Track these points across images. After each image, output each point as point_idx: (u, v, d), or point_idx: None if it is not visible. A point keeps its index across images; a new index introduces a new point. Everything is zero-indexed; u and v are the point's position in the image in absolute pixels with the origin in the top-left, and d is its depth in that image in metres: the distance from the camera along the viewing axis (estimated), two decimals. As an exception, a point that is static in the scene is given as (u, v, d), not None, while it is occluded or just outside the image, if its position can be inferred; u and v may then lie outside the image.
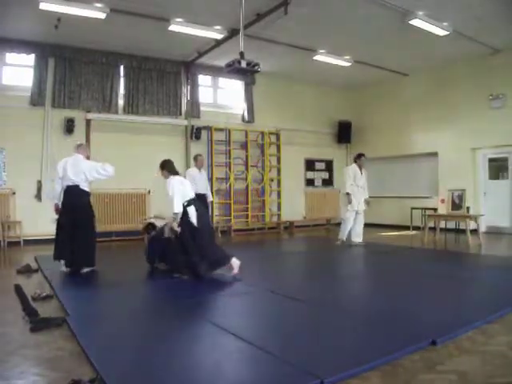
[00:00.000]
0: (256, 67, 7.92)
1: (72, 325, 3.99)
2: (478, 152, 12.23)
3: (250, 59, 7.85)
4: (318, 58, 11.79)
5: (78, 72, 10.92)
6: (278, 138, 14.03)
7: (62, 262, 6.76)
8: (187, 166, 11.55)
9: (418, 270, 6.88)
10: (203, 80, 13.12)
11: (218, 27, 9.81)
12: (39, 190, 10.44)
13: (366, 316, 4.35)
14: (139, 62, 11.69)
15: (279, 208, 14.06)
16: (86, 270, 6.70)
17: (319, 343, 3.58)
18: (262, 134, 13.60)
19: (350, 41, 10.83)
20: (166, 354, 3.34)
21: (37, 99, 10.42)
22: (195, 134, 12.37)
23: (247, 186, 13.26)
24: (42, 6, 8.14)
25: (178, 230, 6.06)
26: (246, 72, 8.52)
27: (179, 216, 6.04)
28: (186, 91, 12.53)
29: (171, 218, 6.16)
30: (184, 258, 6.05)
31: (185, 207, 6.04)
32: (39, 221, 10.35)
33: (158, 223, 7.26)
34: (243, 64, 7.74)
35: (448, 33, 9.81)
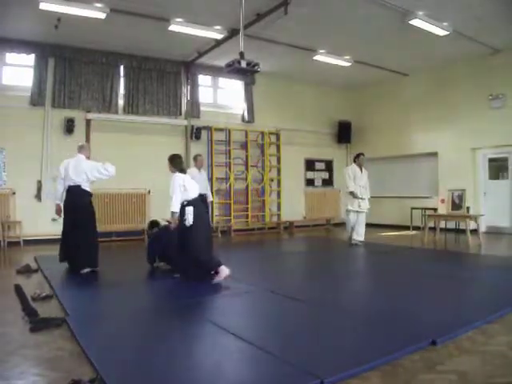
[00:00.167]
0: (256, 67, 7.92)
1: (72, 325, 3.99)
2: (477, 152, 12.23)
3: (249, 59, 7.85)
4: (317, 58, 11.79)
5: (77, 72, 10.92)
6: (277, 138, 14.03)
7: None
8: (187, 166, 11.52)
9: (417, 270, 6.88)
10: (203, 80, 13.12)
11: (218, 27, 9.81)
12: (39, 190, 10.44)
13: (366, 316, 4.35)
14: (139, 61, 11.69)
15: (279, 208, 14.06)
16: (86, 270, 6.70)
17: (319, 343, 3.58)
18: (262, 133, 13.60)
19: (349, 41, 10.83)
20: (165, 354, 3.34)
21: (37, 99, 10.42)
22: (195, 134, 12.37)
23: (247, 186, 13.26)
24: (42, 5, 8.14)
25: (172, 226, 6.10)
26: (245, 72, 8.51)
27: (176, 215, 5.98)
28: (185, 91, 12.53)
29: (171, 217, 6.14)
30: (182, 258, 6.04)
31: (184, 206, 5.94)
32: (39, 221, 10.37)
33: (163, 221, 7.25)
34: (243, 64, 7.73)
35: (448, 33, 9.81)
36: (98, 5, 8.46)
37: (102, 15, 8.70)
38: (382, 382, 2.86)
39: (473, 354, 3.31)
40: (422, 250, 9.39)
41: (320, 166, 15.34)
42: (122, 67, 11.60)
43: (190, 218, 5.85)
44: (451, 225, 10.98)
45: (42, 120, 10.55)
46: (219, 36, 10.16)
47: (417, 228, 12.83)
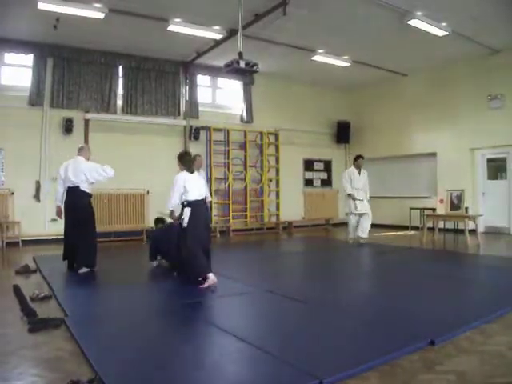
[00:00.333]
0: (255, 67, 7.91)
1: (70, 325, 3.99)
2: (476, 152, 12.24)
3: (248, 59, 7.84)
4: (316, 58, 11.80)
5: (76, 72, 10.91)
6: (276, 138, 14.03)
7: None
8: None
9: (416, 270, 6.89)
10: (202, 80, 13.12)
11: (217, 27, 9.81)
12: (38, 190, 10.43)
13: (365, 316, 4.36)
14: (138, 62, 11.69)
15: (278, 208, 14.06)
16: (84, 270, 6.74)
17: (318, 343, 3.58)
18: (261, 134, 13.61)
19: (348, 41, 10.84)
20: (164, 354, 3.34)
21: (35, 99, 10.41)
22: (194, 134, 12.37)
23: (246, 186, 13.26)
24: (41, 5, 8.14)
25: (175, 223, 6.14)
26: (244, 72, 8.52)
27: (175, 213, 6.01)
28: (184, 91, 12.52)
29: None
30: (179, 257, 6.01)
31: (183, 207, 5.88)
32: (38, 221, 10.37)
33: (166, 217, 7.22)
34: (242, 64, 7.73)
35: (447, 33, 9.82)
36: (97, 5, 8.46)
37: (100, 15, 8.70)
38: (380, 382, 2.86)
39: (471, 354, 3.31)
40: (421, 250, 9.40)
41: (319, 166, 15.35)
42: (120, 67, 11.60)
43: (185, 220, 5.77)
44: (450, 225, 11.02)
45: (41, 120, 10.54)
46: (218, 36, 10.16)
47: (415, 228, 12.85)
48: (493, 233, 11.65)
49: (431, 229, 10.72)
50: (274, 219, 13.99)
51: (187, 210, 5.81)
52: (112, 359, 3.26)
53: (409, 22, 9.26)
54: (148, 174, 11.53)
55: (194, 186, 5.89)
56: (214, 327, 4.04)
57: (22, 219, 10.17)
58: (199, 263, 5.69)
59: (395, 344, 3.44)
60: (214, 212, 12.61)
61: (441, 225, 10.83)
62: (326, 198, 15.17)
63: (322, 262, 8.17)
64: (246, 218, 13.26)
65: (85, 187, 6.84)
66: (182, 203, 5.88)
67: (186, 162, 6.07)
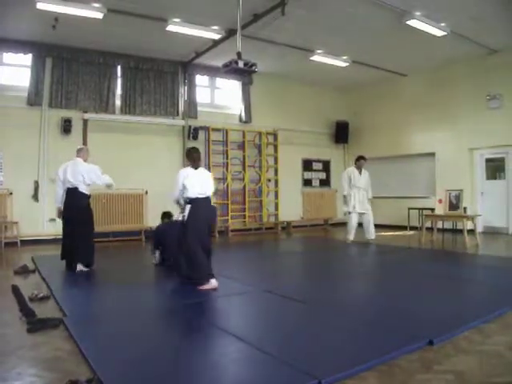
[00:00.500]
0: (253, 67, 7.91)
1: (69, 325, 3.98)
2: (475, 152, 12.25)
3: (247, 59, 7.84)
4: (315, 58, 11.80)
5: (75, 72, 10.91)
6: (275, 138, 14.03)
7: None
8: (184, 167, 11.52)
9: (415, 270, 6.89)
10: (200, 80, 13.11)
11: (216, 27, 9.81)
12: (36, 190, 10.41)
13: (364, 316, 4.36)
14: (136, 62, 11.68)
15: (276, 208, 14.06)
16: (81, 268, 6.81)
17: (317, 343, 3.58)
18: (260, 134, 13.61)
19: (347, 41, 10.84)
20: (163, 355, 3.34)
21: (34, 99, 10.40)
22: (192, 134, 12.36)
23: (244, 186, 13.26)
24: (39, 5, 8.14)
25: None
26: (243, 72, 8.51)
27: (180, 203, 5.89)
28: (183, 91, 12.52)
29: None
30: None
31: (186, 203, 5.74)
32: (36, 221, 10.37)
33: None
34: (240, 64, 7.73)
35: (445, 33, 9.84)
36: (96, 5, 8.46)
37: (99, 15, 8.70)
38: (379, 382, 2.87)
39: (470, 354, 3.31)
40: (420, 250, 9.40)
41: (317, 166, 15.35)
42: (119, 67, 11.59)
43: (186, 217, 5.70)
44: (448, 225, 11.03)
45: (39, 120, 10.54)
46: (217, 36, 10.16)
47: (414, 228, 12.86)
48: (491, 233, 11.66)
49: (430, 229, 10.74)
50: (272, 219, 13.99)
51: (187, 207, 5.72)
52: (110, 359, 3.26)
53: (407, 22, 9.27)
54: (147, 174, 11.53)
55: (196, 182, 5.71)
56: (213, 327, 4.04)
57: (21, 219, 10.16)
58: (199, 261, 5.57)
59: (394, 344, 3.44)
60: (213, 212, 12.59)
61: (439, 225, 10.84)
62: (324, 198, 15.19)
63: (321, 262, 8.17)
64: (244, 218, 13.26)
65: (83, 188, 6.93)
66: (185, 200, 5.77)
67: (190, 157, 5.93)
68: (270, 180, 13.98)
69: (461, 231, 9.87)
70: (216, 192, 12.54)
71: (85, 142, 10.66)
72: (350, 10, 8.96)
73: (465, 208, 9.96)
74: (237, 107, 13.57)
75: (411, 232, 12.62)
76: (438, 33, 9.84)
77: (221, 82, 13.54)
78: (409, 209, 13.05)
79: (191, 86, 12.62)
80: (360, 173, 10.37)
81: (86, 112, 11.02)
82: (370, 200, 10.51)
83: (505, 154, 11.65)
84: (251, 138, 13.51)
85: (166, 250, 7.03)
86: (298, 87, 14.45)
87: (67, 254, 6.99)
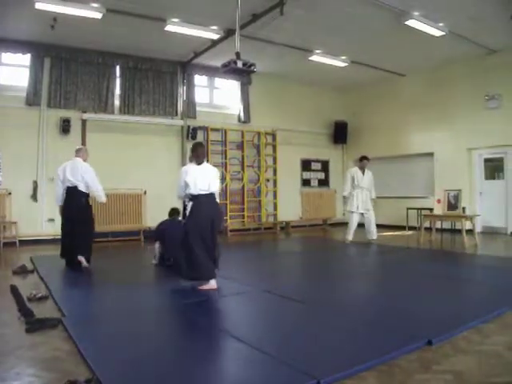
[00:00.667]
0: (252, 67, 7.92)
1: (68, 325, 3.98)
2: (473, 152, 12.26)
3: (245, 59, 7.85)
4: (314, 58, 11.80)
5: (73, 72, 10.89)
6: (274, 138, 14.04)
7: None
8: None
9: (414, 270, 6.89)
10: (199, 80, 13.11)
11: (215, 27, 9.80)
12: (35, 190, 10.40)
13: (362, 316, 4.36)
14: (135, 62, 11.68)
15: (275, 208, 14.06)
16: (83, 261, 7.00)
17: (316, 343, 3.58)
18: (258, 134, 13.61)
19: (346, 41, 10.84)
20: (162, 355, 3.34)
21: (32, 99, 10.39)
22: (191, 134, 12.35)
23: (243, 186, 13.26)
24: (38, 5, 8.13)
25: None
26: (242, 72, 8.51)
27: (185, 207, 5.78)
28: (182, 91, 12.51)
29: None
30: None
31: (190, 200, 5.64)
32: (35, 221, 10.37)
33: None
34: (239, 64, 7.73)
35: (444, 33, 9.84)
36: (95, 5, 8.45)
37: (98, 15, 8.69)
38: (378, 382, 2.87)
39: (468, 354, 3.32)
40: (418, 250, 9.41)
41: (316, 166, 15.35)
42: (118, 67, 11.58)
43: (187, 214, 5.64)
44: (447, 225, 11.04)
45: (38, 120, 10.52)
46: (215, 36, 10.16)
47: (413, 228, 12.86)
48: (490, 233, 11.67)
49: (428, 229, 10.74)
50: (271, 219, 13.99)
51: (189, 205, 5.63)
52: (109, 359, 3.25)
53: (406, 23, 9.27)
54: (145, 174, 11.53)
55: (197, 178, 5.53)
56: (212, 327, 4.04)
57: (19, 219, 10.14)
58: (199, 261, 5.44)
59: (393, 344, 3.45)
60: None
61: (438, 225, 10.83)
62: (323, 198, 15.19)
63: (320, 262, 8.17)
64: (243, 218, 13.26)
65: (82, 187, 7.05)
66: (188, 197, 5.64)
67: (194, 152, 5.78)
68: (268, 180, 13.98)
69: (459, 231, 9.88)
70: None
71: (83, 142, 10.65)
72: (348, 10, 8.96)
73: (463, 208, 9.97)
74: (235, 107, 13.56)
75: (410, 232, 12.63)
76: (437, 33, 9.84)
77: (219, 82, 13.54)
78: (407, 209, 13.06)
79: (190, 86, 12.62)
80: (363, 173, 10.41)
81: (84, 112, 11.01)
82: (374, 200, 10.54)
83: (503, 153, 11.66)
84: (250, 138, 13.51)
85: (166, 249, 7.06)
86: (296, 87, 14.46)
87: (67, 253, 7.09)
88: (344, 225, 14.78)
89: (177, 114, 12.40)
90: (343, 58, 11.99)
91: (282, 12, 8.55)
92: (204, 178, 5.56)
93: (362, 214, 10.33)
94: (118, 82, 11.63)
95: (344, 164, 15.90)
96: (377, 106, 14.66)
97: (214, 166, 12.18)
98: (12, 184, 10.13)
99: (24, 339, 3.73)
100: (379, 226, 10.91)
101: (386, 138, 14.32)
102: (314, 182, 15.31)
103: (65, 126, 10.62)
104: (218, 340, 3.73)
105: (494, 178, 12.09)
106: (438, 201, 10.71)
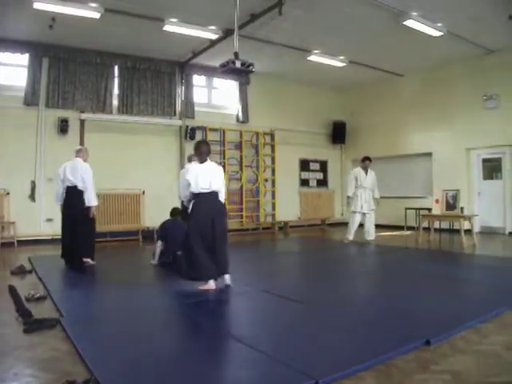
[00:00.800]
0: (250, 67, 7.92)
1: (66, 326, 3.98)
2: (472, 152, 12.27)
3: (244, 59, 7.86)
4: (312, 58, 11.81)
5: (72, 72, 10.88)
6: (272, 138, 14.04)
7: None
8: (181, 167, 11.53)
9: (412, 270, 6.89)
10: (198, 80, 13.11)
11: (213, 27, 9.80)
12: (33, 190, 10.39)
13: (361, 316, 4.36)
14: (134, 61, 11.67)
15: (274, 208, 14.06)
16: (89, 261, 7.21)
17: (314, 343, 3.58)
18: (257, 134, 13.61)
19: (344, 41, 10.85)
20: (160, 355, 3.34)
21: (31, 99, 10.38)
22: (189, 134, 12.34)
23: (241, 187, 13.26)
24: (36, 5, 8.12)
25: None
26: (240, 72, 8.52)
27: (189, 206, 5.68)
28: (180, 91, 12.51)
29: None
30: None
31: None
32: (33, 221, 10.35)
33: None
34: (238, 64, 7.74)
35: (442, 33, 9.85)
36: (93, 4, 8.45)
37: (96, 15, 8.68)
38: (376, 382, 2.87)
39: (467, 354, 3.32)
40: (417, 250, 9.42)
41: (315, 166, 15.36)
42: (116, 67, 11.57)
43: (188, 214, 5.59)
44: (445, 225, 11.05)
45: (36, 120, 10.51)
46: (214, 36, 10.15)
47: (411, 228, 12.87)
48: (488, 233, 11.69)
49: (427, 229, 10.75)
50: (269, 219, 13.99)
51: (191, 204, 5.59)
52: (108, 359, 3.25)
53: (404, 23, 9.28)
54: (144, 174, 11.52)
55: (199, 177, 5.43)
56: (211, 327, 4.04)
57: (18, 219, 10.13)
58: (199, 261, 5.36)
59: (391, 344, 3.44)
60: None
61: (436, 225, 10.85)
62: (321, 198, 15.20)
63: (318, 262, 8.17)
64: (241, 218, 13.26)
65: (81, 187, 7.13)
66: (191, 196, 5.57)
67: (197, 150, 5.64)
68: (267, 180, 13.98)
69: (458, 231, 9.89)
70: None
71: (82, 142, 10.65)
72: (346, 10, 8.96)
73: (462, 208, 9.98)
74: (234, 107, 13.56)
75: (408, 232, 12.64)
76: (435, 33, 9.86)
77: (218, 82, 13.54)
78: (406, 209, 13.07)
79: (188, 86, 12.61)
80: (366, 173, 10.45)
81: (83, 112, 10.99)
82: (377, 200, 10.57)
83: (501, 154, 11.67)
84: (248, 138, 13.51)
85: (167, 247, 7.15)
86: (295, 87, 14.46)
87: (67, 253, 7.16)
88: (342, 225, 14.83)
89: (175, 114, 12.39)
90: (341, 58, 12.00)
91: (281, 12, 8.56)
92: (205, 177, 5.45)
93: (364, 214, 10.35)
94: (116, 81, 11.62)
95: (342, 164, 15.93)
96: (375, 106, 14.67)
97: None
98: (10, 184, 10.11)
99: (22, 339, 3.72)
100: (378, 226, 10.93)
101: (384, 138, 14.32)
102: (313, 182, 15.32)
103: (63, 126, 10.61)
104: (216, 340, 3.72)
105: (492, 178, 12.10)
106: (437, 201, 10.72)
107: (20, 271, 6.81)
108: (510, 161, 11.47)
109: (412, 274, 6.63)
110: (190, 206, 5.59)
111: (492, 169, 12.14)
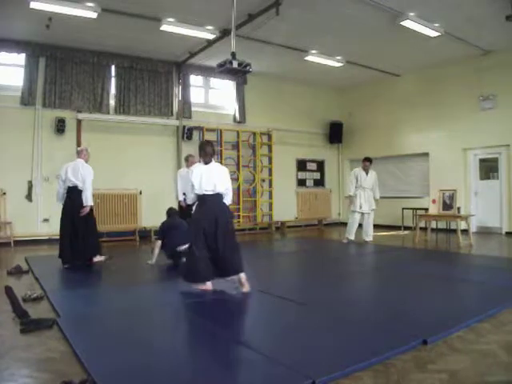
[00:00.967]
0: (247, 67, 7.92)
1: (63, 326, 3.97)
2: (468, 152, 12.30)
3: (241, 59, 7.85)
4: (309, 58, 11.81)
5: (68, 72, 10.87)
6: (269, 139, 14.04)
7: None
8: (178, 167, 11.55)
9: (409, 270, 6.89)
10: (195, 80, 13.11)
11: (210, 27, 9.80)
12: (30, 190, 10.37)
13: (358, 316, 4.36)
14: (131, 61, 11.65)
15: (271, 208, 14.07)
16: (98, 258, 7.48)
17: (311, 343, 3.57)
18: (254, 134, 13.61)
19: (341, 41, 10.86)
20: (156, 355, 3.33)
21: (27, 99, 10.36)
22: (187, 134, 12.34)
23: (239, 187, 13.24)
24: (33, 5, 8.10)
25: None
26: (237, 72, 8.50)
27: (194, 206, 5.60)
28: (177, 91, 12.50)
29: None
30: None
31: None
32: (30, 221, 10.33)
33: None
34: (235, 64, 7.74)
35: (439, 34, 9.87)
36: (90, 4, 8.43)
37: (93, 15, 8.67)
38: (373, 381, 2.87)
39: (463, 353, 3.32)
40: (414, 249, 9.43)
41: (311, 166, 15.37)
42: (113, 67, 11.56)
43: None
44: (442, 225, 11.07)
45: (33, 120, 10.49)
46: (211, 36, 10.15)
47: (408, 228, 12.90)
48: (485, 233, 11.71)
49: (424, 229, 10.77)
50: (266, 219, 13.99)
51: (194, 206, 5.52)
52: (104, 360, 3.24)
53: (401, 23, 9.29)
54: (141, 174, 11.51)
55: (203, 178, 5.32)
56: (208, 327, 4.03)
57: (14, 219, 10.11)
58: (197, 265, 5.28)
59: (388, 344, 3.44)
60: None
61: (433, 225, 10.88)
62: (318, 198, 15.20)
63: (315, 263, 8.17)
64: (238, 218, 13.25)
65: (82, 187, 7.26)
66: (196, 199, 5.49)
67: (202, 152, 5.50)
68: (264, 180, 13.98)
69: (454, 231, 9.92)
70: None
71: (79, 142, 10.65)
72: (343, 11, 8.96)
73: (458, 208, 10.00)
74: (231, 107, 13.56)
75: (405, 232, 12.66)
76: (432, 33, 9.87)
77: (215, 82, 13.54)
78: (403, 209, 13.09)
79: (185, 86, 12.61)
80: (367, 173, 10.49)
81: (79, 112, 10.98)
82: (378, 201, 10.59)
83: (498, 154, 11.71)
84: (245, 138, 13.51)
85: (166, 243, 7.27)
86: (292, 87, 14.47)
87: (68, 253, 7.21)
88: (339, 225, 14.88)
89: (172, 114, 12.39)
90: (338, 58, 12.01)
91: (278, 12, 8.56)
92: (209, 178, 5.33)
93: (363, 214, 10.37)
94: (113, 81, 11.61)
95: (339, 164, 15.94)
96: (372, 106, 14.68)
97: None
98: (7, 184, 10.09)
99: (19, 340, 3.71)
100: (375, 226, 10.94)
101: (381, 138, 14.34)
102: (310, 182, 15.33)
103: (60, 126, 10.59)
104: (213, 340, 3.72)
105: (488, 178, 12.13)
106: (434, 201, 10.73)
107: (17, 271, 6.79)
108: (507, 161, 11.50)
109: (409, 273, 6.63)
110: (194, 208, 5.54)
111: (489, 169, 12.17)
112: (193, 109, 12.71)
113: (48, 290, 5.51)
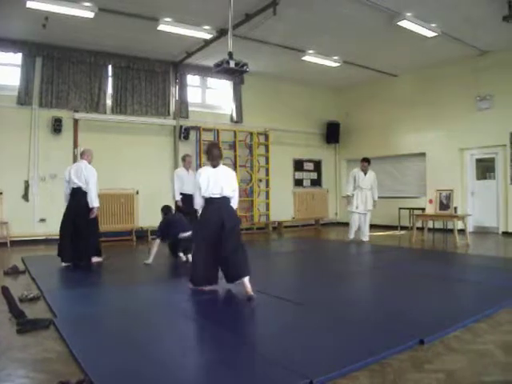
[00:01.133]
0: (244, 67, 7.93)
1: (59, 326, 3.96)
2: (465, 152, 12.33)
3: (238, 59, 7.86)
4: (306, 58, 11.82)
5: (65, 71, 10.84)
6: (266, 138, 14.04)
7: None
8: (175, 166, 11.54)
9: (405, 270, 6.90)
10: (192, 80, 13.10)
11: (207, 27, 9.79)
12: (26, 190, 10.34)
13: (355, 315, 4.37)
14: (127, 61, 11.64)
15: (268, 208, 14.06)
16: (96, 259, 7.52)
17: (308, 343, 3.57)
18: (251, 134, 13.60)
19: (338, 41, 10.87)
20: (153, 355, 3.32)
21: (24, 98, 10.33)
22: (183, 134, 12.33)
23: (236, 187, 13.22)
24: (29, 4, 8.08)
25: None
26: (234, 72, 8.51)
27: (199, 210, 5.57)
28: (174, 91, 12.49)
29: None
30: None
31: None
32: (26, 221, 10.30)
33: None
34: (232, 64, 7.75)
35: (436, 34, 9.89)
36: (87, 4, 8.41)
37: (90, 14, 8.65)
38: (370, 381, 2.87)
39: (460, 353, 3.33)
40: (410, 249, 9.44)
41: (308, 166, 15.37)
42: (110, 67, 11.53)
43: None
44: (439, 225, 11.08)
45: (29, 120, 10.45)
46: (208, 36, 10.14)
47: (405, 228, 12.91)
48: (482, 232, 11.73)
49: (420, 229, 10.78)
50: (263, 219, 13.99)
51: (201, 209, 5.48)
52: (102, 360, 3.23)
53: (399, 23, 9.31)
54: (138, 174, 11.49)
55: (211, 181, 5.27)
56: (206, 327, 4.04)
57: (11, 219, 10.09)
58: (199, 269, 5.29)
59: (385, 343, 3.45)
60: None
61: (430, 225, 10.90)
62: (315, 198, 15.21)
63: (312, 262, 8.18)
64: (236, 218, 13.23)
65: (86, 188, 7.36)
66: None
67: (209, 155, 5.45)
68: (261, 180, 13.98)
69: (451, 231, 9.93)
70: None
71: (75, 142, 10.63)
72: (341, 11, 8.97)
73: (455, 208, 10.01)
74: (228, 107, 13.55)
75: (402, 232, 12.67)
76: (429, 33, 9.89)
77: (212, 81, 13.53)
78: (399, 209, 13.10)
79: (182, 86, 12.59)
80: (365, 174, 10.54)
81: (76, 112, 10.95)
82: (376, 202, 10.64)
83: (495, 154, 11.74)
84: (242, 138, 13.50)
85: (169, 233, 7.36)
86: (289, 87, 14.47)
87: (68, 252, 7.26)
88: (336, 225, 14.92)
89: (169, 114, 12.37)
90: (336, 58, 12.02)
91: (275, 12, 8.55)
92: (217, 181, 5.28)
93: (359, 214, 10.43)
94: (110, 81, 11.59)
95: (336, 164, 15.96)
96: (369, 106, 14.69)
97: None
98: (3, 184, 10.07)
99: (15, 340, 3.70)
100: (371, 226, 10.97)
101: (378, 138, 14.35)
102: (307, 182, 15.34)
103: (56, 126, 10.56)
104: (211, 340, 3.72)
105: (485, 178, 12.15)
106: (430, 201, 10.76)
107: (13, 271, 6.78)
108: (503, 161, 11.52)
109: (405, 273, 6.64)
110: (200, 211, 5.50)
111: (485, 169, 12.20)
112: (190, 108, 12.70)
113: (45, 290, 5.51)
